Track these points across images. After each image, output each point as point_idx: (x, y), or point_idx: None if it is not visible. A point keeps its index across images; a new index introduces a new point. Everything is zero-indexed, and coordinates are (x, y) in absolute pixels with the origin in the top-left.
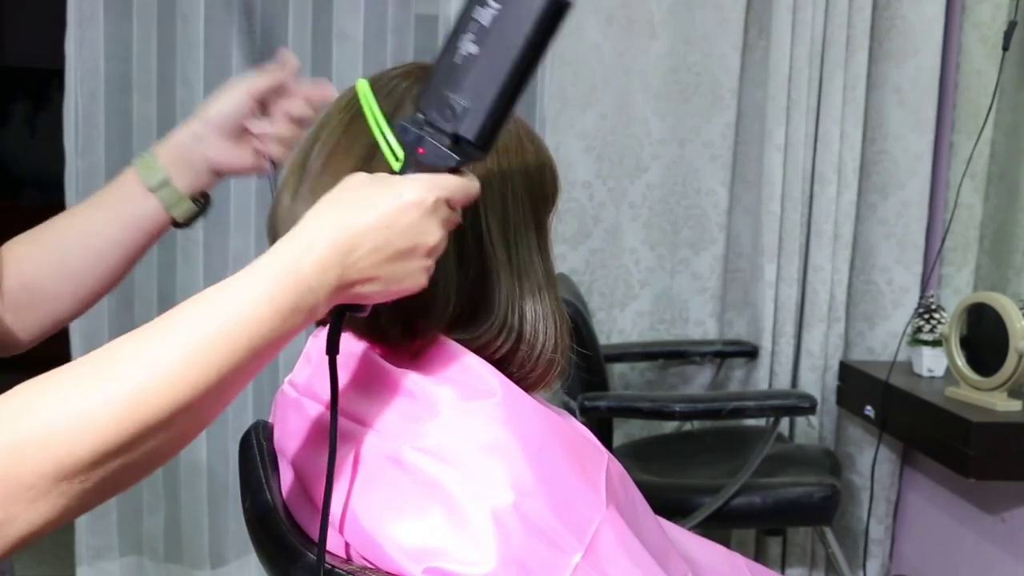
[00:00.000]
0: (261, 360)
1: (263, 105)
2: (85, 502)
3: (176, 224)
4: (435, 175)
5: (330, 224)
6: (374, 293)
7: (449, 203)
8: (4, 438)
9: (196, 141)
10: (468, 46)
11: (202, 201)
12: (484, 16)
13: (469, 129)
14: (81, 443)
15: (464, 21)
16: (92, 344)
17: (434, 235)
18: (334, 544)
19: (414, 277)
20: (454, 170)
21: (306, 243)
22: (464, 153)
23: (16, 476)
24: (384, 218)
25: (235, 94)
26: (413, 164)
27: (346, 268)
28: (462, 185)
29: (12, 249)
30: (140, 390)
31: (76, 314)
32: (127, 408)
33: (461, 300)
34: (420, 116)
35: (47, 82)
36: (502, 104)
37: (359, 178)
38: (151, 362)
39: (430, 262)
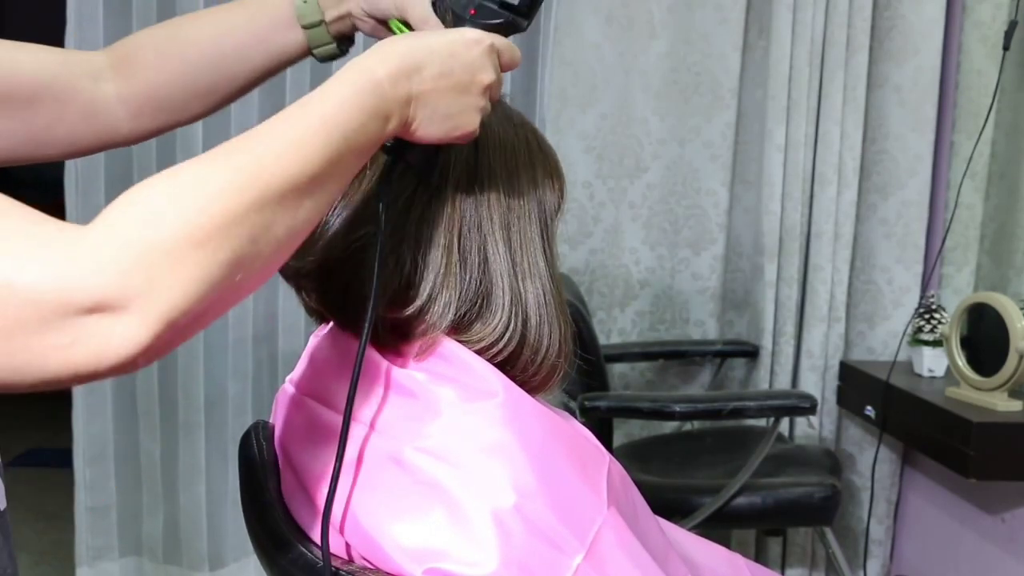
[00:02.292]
0: (354, 156)
1: None
2: (215, 276)
3: (313, 56)
4: (489, 33)
5: (401, 44)
6: (432, 121)
7: (500, 57)
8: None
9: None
10: None
11: (345, 45)
12: None
13: None
14: (209, 207)
15: None
16: None
17: (490, 74)
18: (335, 544)
19: (469, 115)
20: (501, 30)
21: (381, 56)
22: (510, 15)
23: (155, 243)
24: (449, 47)
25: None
26: (460, 20)
27: (414, 83)
28: (509, 44)
29: (143, 54)
30: (261, 159)
31: (194, 121)
32: (250, 175)
33: (464, 302)
34: None
35: None
36: None
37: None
38: (270, 139)
39: (485, 102)
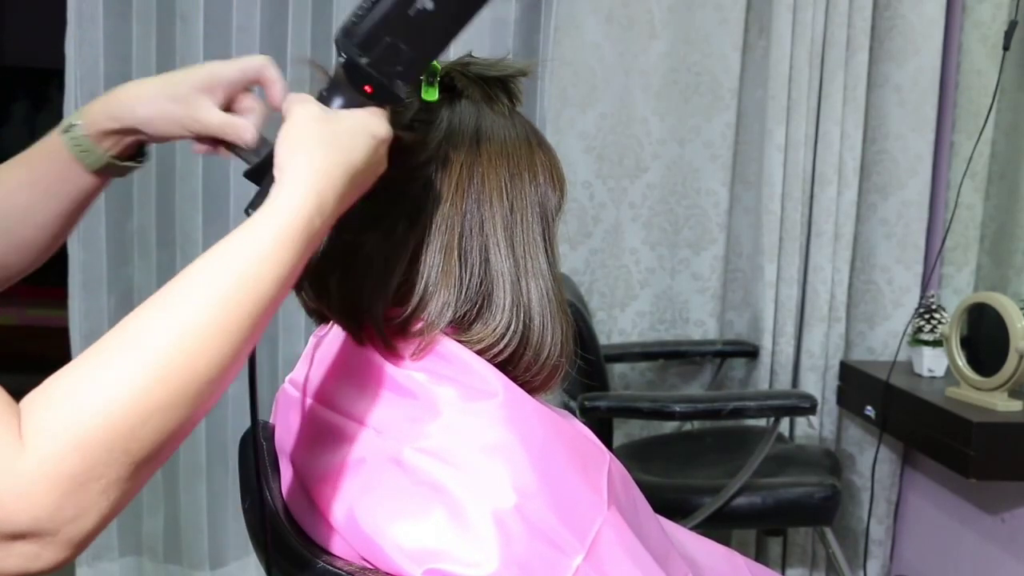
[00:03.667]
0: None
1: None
2: (135, 489)
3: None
4: (382, 112)
5: (331, 174)
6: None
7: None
8: (68, 431)
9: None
10: (425, 2)
11: (142, 157)
12: None
13: (409, 75)
14: (141, 432)
15: None
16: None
17: (384, 166)
18: (335, 545)
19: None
20: (390, 107)
21: (316, 203)
22: (402, 96)
23: (88, 476)
24: (368, 158)
25: (253, 61)
26: (357, 100)
27: (343, 208)
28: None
29: None
30: (172, 356)
31: (30, 271)
32: (169, 383)
33: (464, 302)
34: (363, 58)
35: (47, 82)
36: (438, 54)
37: (314, 111)
38: (181, 328)
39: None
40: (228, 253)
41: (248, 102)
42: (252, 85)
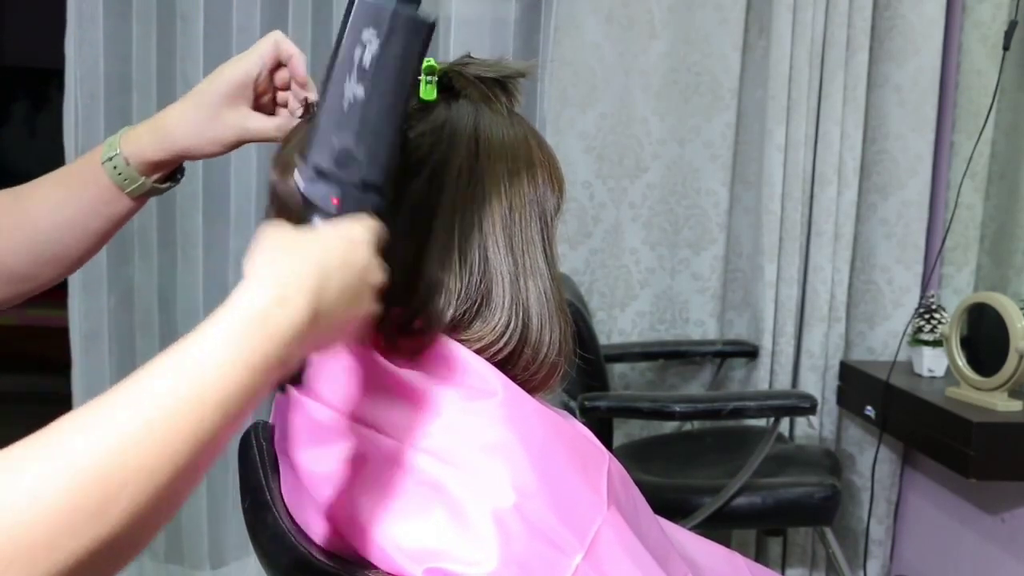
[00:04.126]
0: (233, 426)
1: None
2: None
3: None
4: (362, 216)
5: (294, 269)
6: (332, 335)
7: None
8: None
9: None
10: (354, 90)
11: (180, 174)
12: (365, 57)
13: (373, 172)
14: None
15: (342, 66)
16: (92, 344)
17: (378, 274)
18: (335, 545)
19: (364, 310)
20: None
21: (276, 296)
22: (375, 195)
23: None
24: (343, 258)
25: (266, 45)
26: (326, 215)
27: (319, 315)
28: (379, 225)
29: None
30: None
31: (53, 283)
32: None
33: (463, 301)
34: (318, 168)
35: (47, 82)
36: (395, 137)
37: (284, 229)
38: (116, 433)
39: (374, 306)
40: (172, 355)
41: (283, 92)
42: (275, 66)
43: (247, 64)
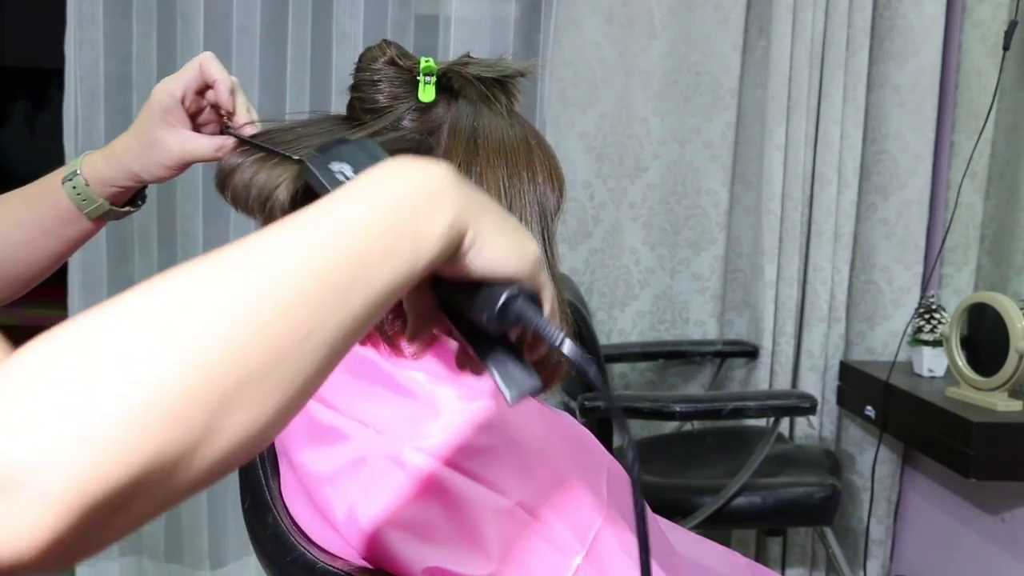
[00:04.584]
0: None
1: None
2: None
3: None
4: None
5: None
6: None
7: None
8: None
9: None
10: None
11: (141, 200)
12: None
13: None
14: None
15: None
16: None
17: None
18: (335, 544)
19: (529, 245)
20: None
21: (411, 205)
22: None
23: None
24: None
25: (192, 69)
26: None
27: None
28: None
29: None
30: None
31: (8, 301)
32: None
33: None
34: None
35: (47, 82)
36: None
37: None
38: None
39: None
40: (308, 216)
41: (207, 113)
42: (203, 87)
43: (171, 86)
